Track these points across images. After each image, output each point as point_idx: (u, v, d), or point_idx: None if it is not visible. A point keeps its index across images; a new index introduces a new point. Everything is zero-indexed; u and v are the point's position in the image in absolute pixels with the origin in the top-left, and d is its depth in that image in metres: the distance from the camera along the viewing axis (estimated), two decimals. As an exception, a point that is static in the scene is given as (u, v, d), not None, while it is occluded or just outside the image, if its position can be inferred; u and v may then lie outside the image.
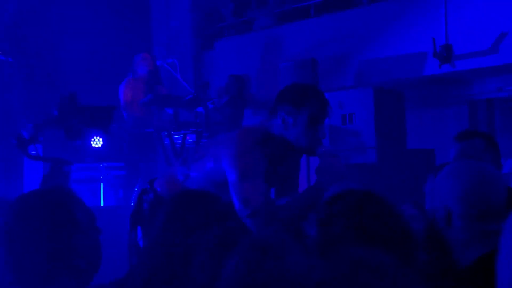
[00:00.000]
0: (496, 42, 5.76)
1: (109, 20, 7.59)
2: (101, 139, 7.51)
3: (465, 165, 1.81)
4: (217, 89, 7.13)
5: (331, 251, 1.08)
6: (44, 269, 1.56)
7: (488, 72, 6.00)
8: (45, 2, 7.24)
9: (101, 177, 7.00)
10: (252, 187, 2.67)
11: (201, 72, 8.23)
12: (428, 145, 6.00)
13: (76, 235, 1.61)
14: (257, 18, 7.78)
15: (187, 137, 6.31)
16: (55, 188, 1.72)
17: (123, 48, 7.21)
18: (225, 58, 7.85)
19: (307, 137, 2.72)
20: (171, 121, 6.16)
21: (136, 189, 5.76)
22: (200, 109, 6.13)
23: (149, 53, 6.48)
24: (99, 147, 7.52)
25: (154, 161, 6.31)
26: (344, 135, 5.83)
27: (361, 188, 1.61)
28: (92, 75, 7.08)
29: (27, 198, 1.66)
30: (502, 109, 6.32)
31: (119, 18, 7.65)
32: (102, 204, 6.82)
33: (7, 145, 6.82)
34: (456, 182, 1.73)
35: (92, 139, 7.46)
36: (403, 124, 5.96)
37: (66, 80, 7.03)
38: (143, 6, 7.93)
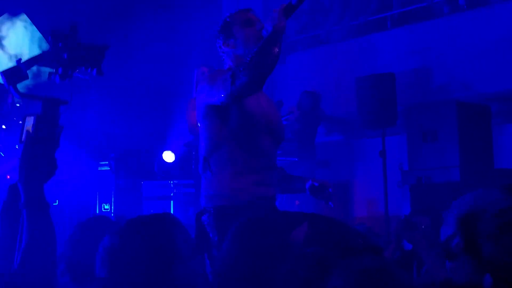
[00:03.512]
0: None
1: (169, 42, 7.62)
2: (173, 154, 7.46)
3: None
4: (289, 107, 6.94)
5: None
6: None
7: None
8: (121, 19, 7.34)
9: (172, 194, 6.95)
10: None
11: (271, 86, 8.07)
12: (517, 164, 5.64)
13: (176, 264, 1.61)
14: (332, 31, 7.56)
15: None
16: (159, 216, 1.73)
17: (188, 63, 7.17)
18: (297, 72, 7.66)
19: (252, 40, 2.77)
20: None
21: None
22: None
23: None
24: (170, 163, 7.49)
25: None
26: (426, 153, 5.54)
27: None
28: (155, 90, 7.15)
29: (132, 224, 1.69)
30: None
31: (186, 32, 7.63)
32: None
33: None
34: None
35: (164, 153, 7.43)
36: (489, 141, 5.63)
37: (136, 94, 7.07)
38: (210, 20, 7.86)
